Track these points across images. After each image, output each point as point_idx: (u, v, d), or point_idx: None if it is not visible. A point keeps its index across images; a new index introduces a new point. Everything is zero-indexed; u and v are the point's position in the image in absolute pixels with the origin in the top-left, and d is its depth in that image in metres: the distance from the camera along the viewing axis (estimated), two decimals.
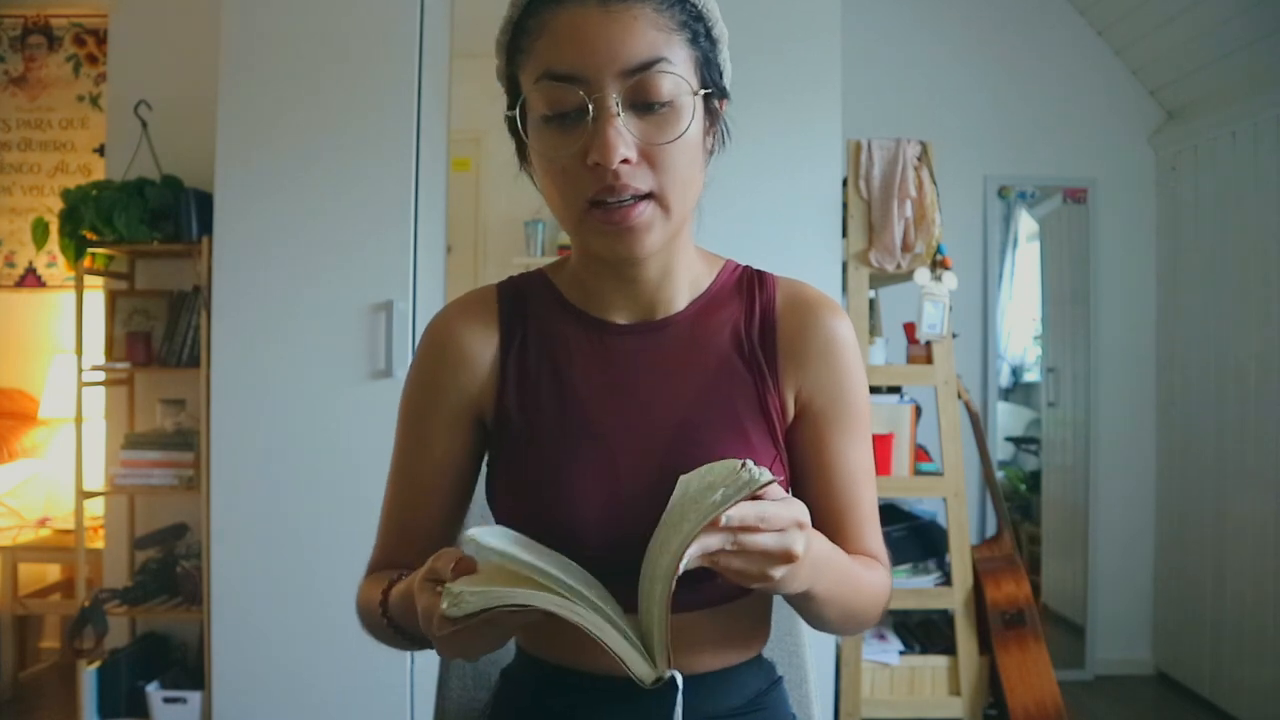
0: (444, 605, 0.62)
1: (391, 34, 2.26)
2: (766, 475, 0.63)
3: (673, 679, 0.60)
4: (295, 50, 2.27)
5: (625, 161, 0.74)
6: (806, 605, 0.78)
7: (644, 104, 0.75)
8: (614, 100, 0.73)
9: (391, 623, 0.80)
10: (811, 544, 0.68)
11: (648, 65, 0.73)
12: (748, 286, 0.90)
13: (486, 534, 0.64)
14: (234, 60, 2.27)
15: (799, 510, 0.67)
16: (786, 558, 0.65)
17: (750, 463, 0.64)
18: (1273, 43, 2.76)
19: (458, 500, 0.91)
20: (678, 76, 0.75)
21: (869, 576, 0.85)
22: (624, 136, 0.73)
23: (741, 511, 0.63)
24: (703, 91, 0.78)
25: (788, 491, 0.88)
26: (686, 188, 0.79)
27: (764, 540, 0.64)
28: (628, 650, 0.61)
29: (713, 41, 0.80)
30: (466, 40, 2.28)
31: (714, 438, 0.83)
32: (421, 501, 0.90)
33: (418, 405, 0.90)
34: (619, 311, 0.88)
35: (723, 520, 0.62)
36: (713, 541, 0.63)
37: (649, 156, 0.75)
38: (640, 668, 0.61)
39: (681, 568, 0.61)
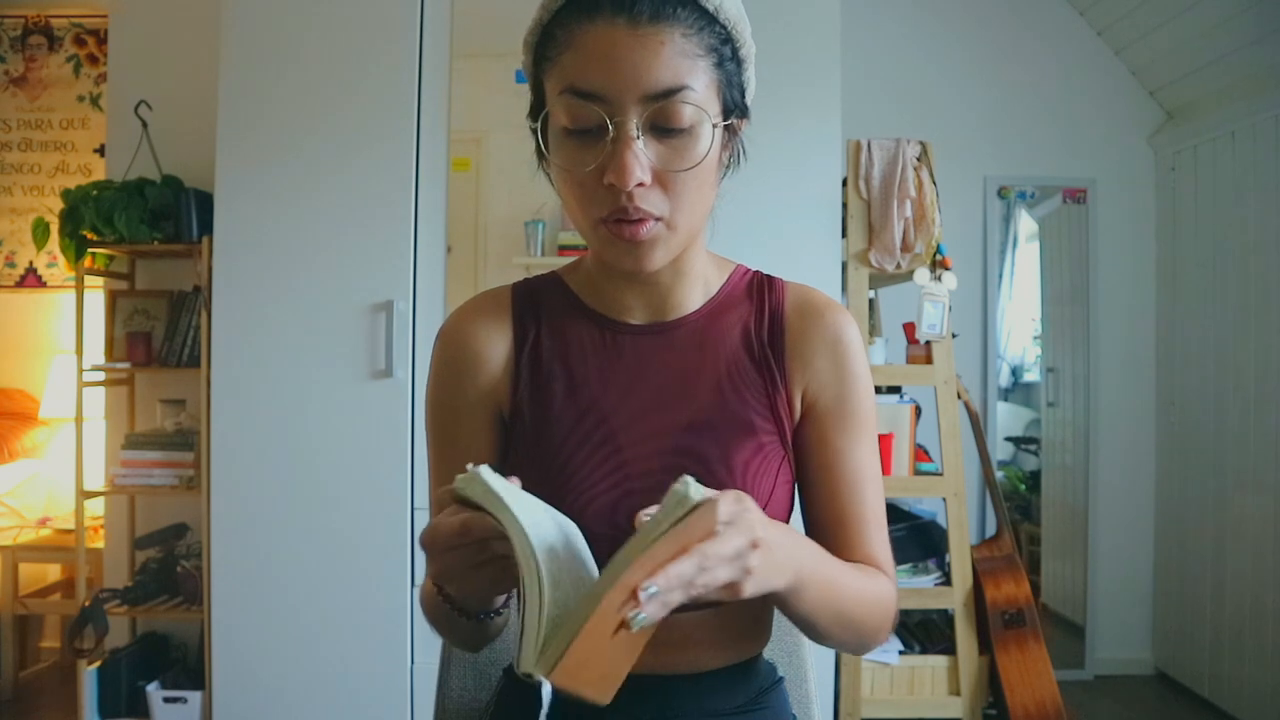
0: (458, 478, 0.64)
1: (391, 34, 2.26)
2: (699, 492, 0.61)
3: (539, 685, 0.57)
4: (295, 50, 2.27)
5: (640, 184, 0.74)
6: (791, 606, 0.74)
7: (664, 128, 0.75)
8: (634, 124, 0.74)
9: (446, 596, 0.77)
10: (774, 538, 0.66)
11: (670, 93, 0.74)
12: (758, 289, 0.91)
13: (489, 473, 0.64)
14: (234, 60, 2.27)
15: (735, 509, 0.64)
16: (744, 571, 0.63)
17: (687, 479, 0.62)
18: (1273, 43, 2.76)
19: None
20: (698, 107, 0.75)
21: (864, 581, 0.82)
22: (640, 160, 0.74)
23: (683, 570, 0.60)
24: (723, 123, 0.78)
25: (792, 498, 0.88)
26: (696, 210, 0.80)
27: (719, 575, 0.62)
28: (532, 633, 0.59)
29: (739, 62, 0.80)
30: (466, 40, 2.28)
31: (725, 436, 0.84)
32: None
33: (442, 412, 0.91)
34: (632, 312, 0.89)
35: (663, 578, 0.59)
36: (674, 596, 0.60)
37: (663, 180, 0.76)
38: (529, 656, 0.58)
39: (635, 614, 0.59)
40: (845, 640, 0.83)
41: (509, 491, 0.63)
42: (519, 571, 0.61)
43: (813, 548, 0.76)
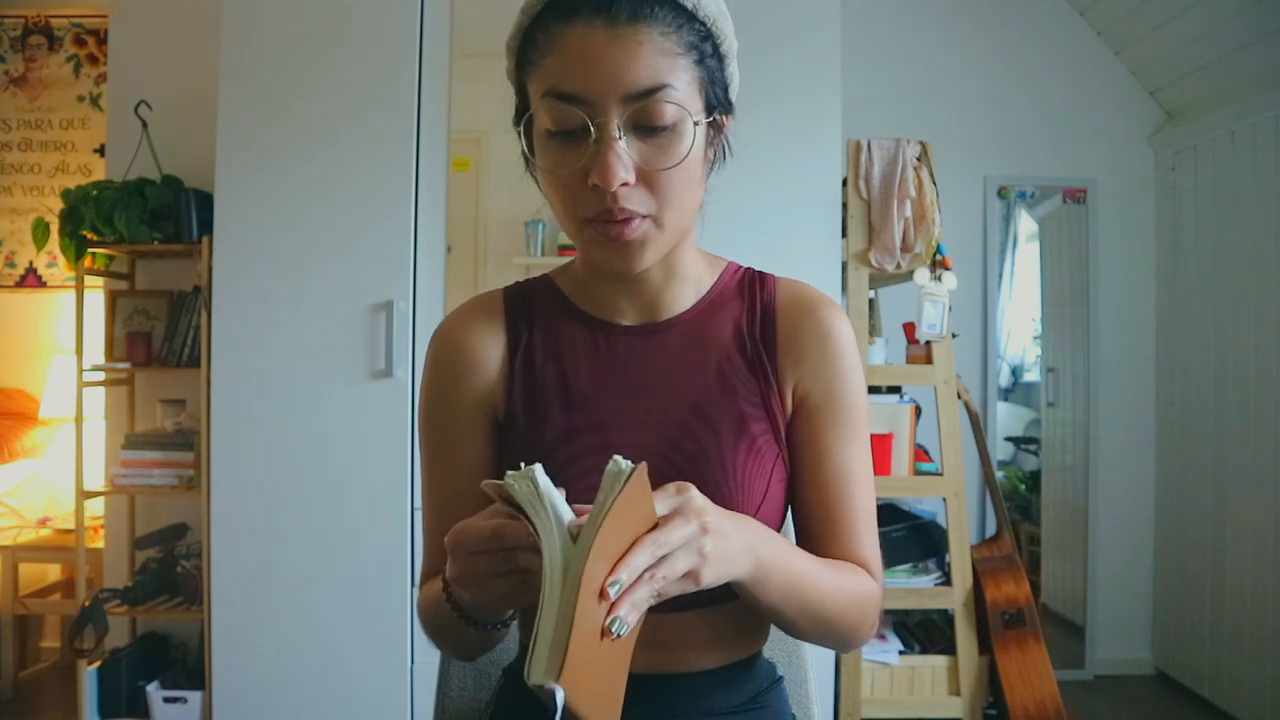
0: (509, 474, 0.63)
1: (391, 34, 2.26)
2: (629, 464, 0.61)
3: (552, 694, 0.57)
4: (295, 50, 2.27)
5: (624, 184, 0.75)
6: (755, 596, 0.73)
7: (646, 127, 0.75)
8: (616, 125, 0.74)
9: (455, 603, 0.76)
10: (723, 525, 0.66)
11: (650, 92, 0.74)
12: (749, 286, 0.91)
13: (542, 473, 0.63)
14: (234, 60, 2.27)
15: (678, 499, 0.65)
16: (700, 556, 0.63)
17: (616, 457, 0.62)
18: (1273, 43, 2.76)
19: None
20: (679, 105, 0.75)
21: (838, 577, 0.81)
22: (623, 160, 0.74)
23: (639, 560, 0.60)
24: (706, 120, 0.78)
25: (786, 493, 0.88)
26: (683, 208, 0.80)
27: (678, 565, 0.62)
28: (545, 643, 0.58)
29: (720, 58, 0.80)
30: (466, 40, 2.28)
31: (719, 436, 0.84)
32: (459, 511, 0.89)
33: (436, 417, 0.90)
34: (623, 313, 0.89)
35: (626, 573, 0.60)
36: (641, 595, 0.61)
37: (647, 179, 0.76)
38: (539, 667, 0.58)
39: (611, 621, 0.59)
40: (819, 635, 0.82)
41: (557, 498, 0.63)
42: (541, 581, 0.60)
43: (775, 539, 0.75)
